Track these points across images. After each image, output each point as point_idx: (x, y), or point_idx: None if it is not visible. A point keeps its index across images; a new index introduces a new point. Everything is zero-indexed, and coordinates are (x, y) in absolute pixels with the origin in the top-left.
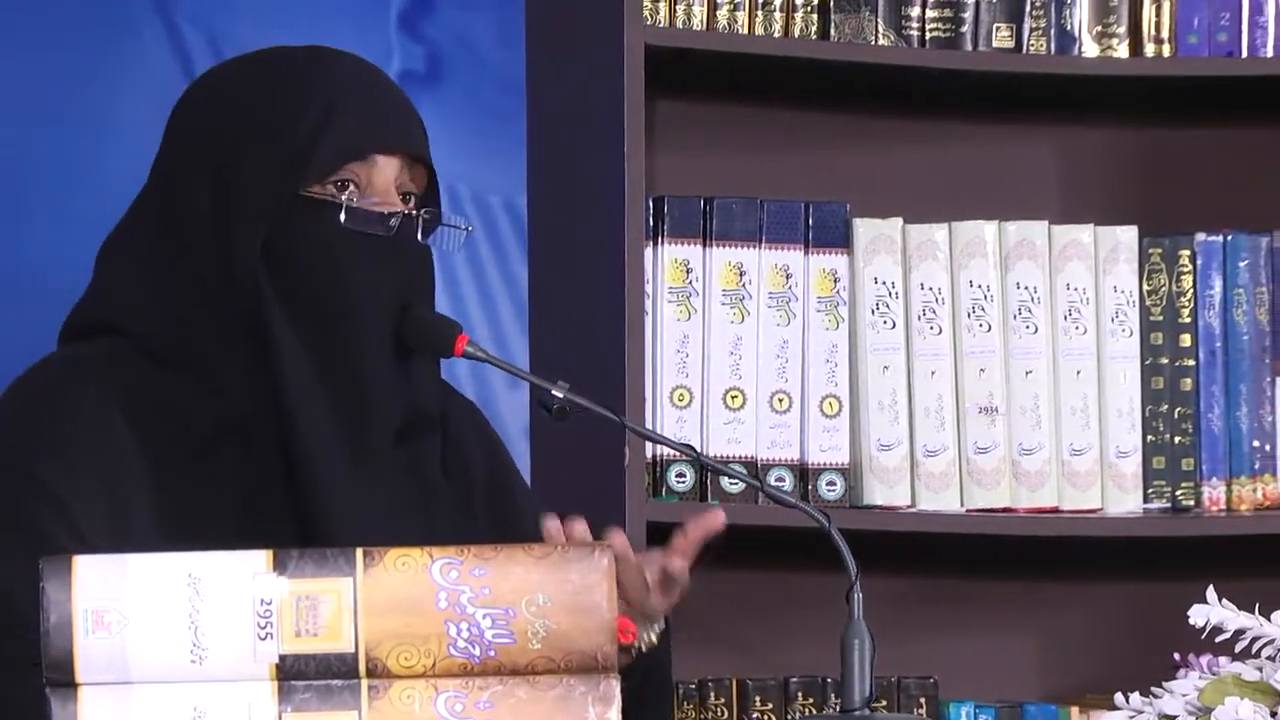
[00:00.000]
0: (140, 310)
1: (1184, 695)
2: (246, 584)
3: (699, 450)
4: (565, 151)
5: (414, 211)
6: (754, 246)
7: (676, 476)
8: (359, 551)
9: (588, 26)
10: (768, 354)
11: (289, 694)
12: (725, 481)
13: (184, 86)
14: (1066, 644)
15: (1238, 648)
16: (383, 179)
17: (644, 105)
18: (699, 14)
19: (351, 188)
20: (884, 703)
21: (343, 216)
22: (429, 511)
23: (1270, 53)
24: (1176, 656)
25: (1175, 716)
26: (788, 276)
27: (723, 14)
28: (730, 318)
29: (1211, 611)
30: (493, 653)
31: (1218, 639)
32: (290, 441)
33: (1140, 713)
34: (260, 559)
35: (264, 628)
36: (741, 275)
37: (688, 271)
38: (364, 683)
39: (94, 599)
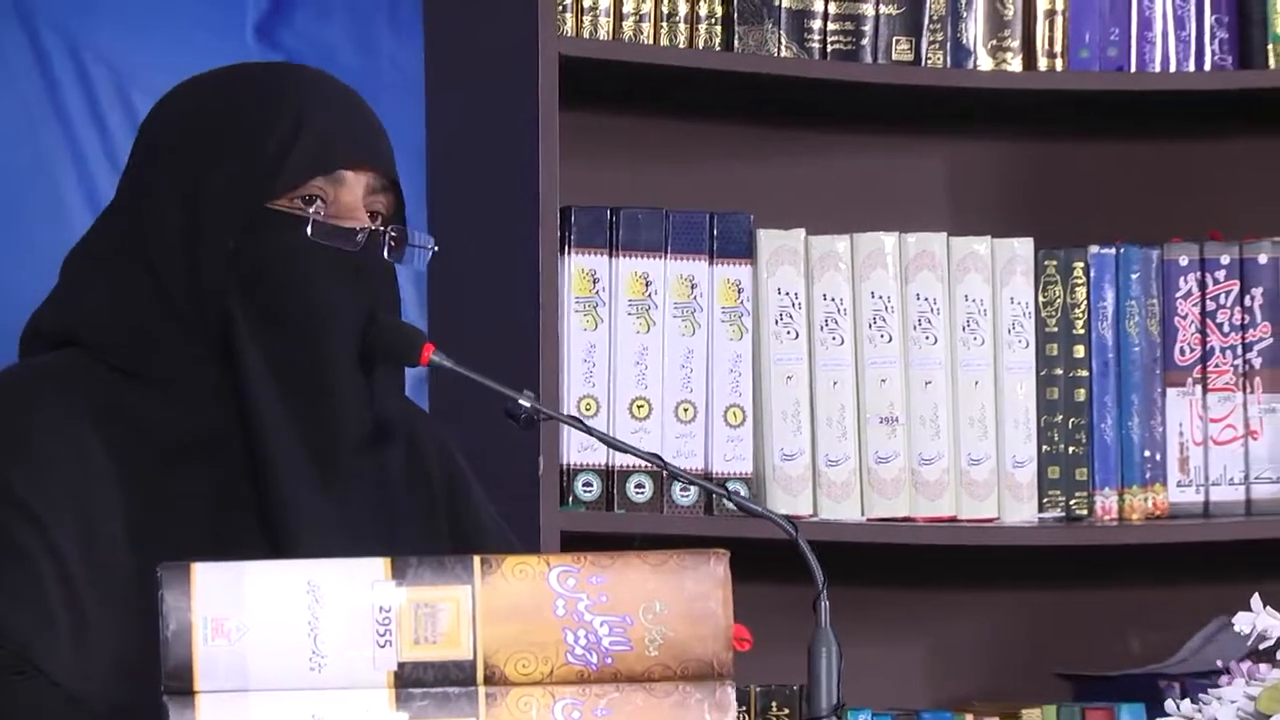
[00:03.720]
0: (105, 324)
1: (1233, 701)
2: (365, 592)
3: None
4: (469, 161)
5: (380, 228)
6: (659, 257)
7: (584, 486)
8: (476, 559)
9: (493, 36)
10: (673, 364)
11: (407, 701)
12: (631, 490)
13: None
14: (961, 651)
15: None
16: (350, 196)
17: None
18: (605, 25)
19: (319, 203)
20: (786, 711)
21: (309, 229)
22: (391, 523)
23: (1158, 67)
24: (1219, 663)
25: None
26: (693, 287)
27: (628, 25)
28: (636, 328)
29: (1258, 619)
30: (610, 660)
31: (1261, 646)
32: (257, 454)
33: (1190, 719)
34: (379, 566)
35: (383, 635)
36: (647, 285)
37: (594, 281)
38: (481, 690)
39: (213, 607)
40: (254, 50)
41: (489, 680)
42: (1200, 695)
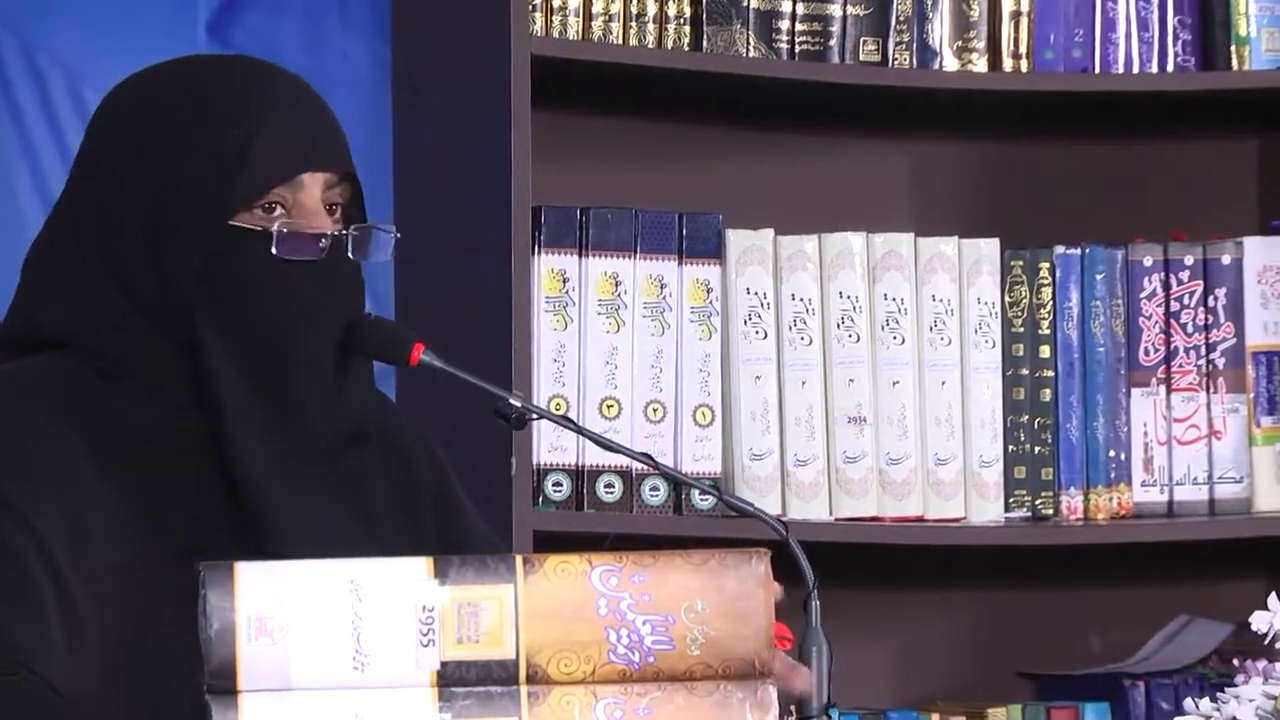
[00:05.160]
0: (80, 327)
1: (1251, 700)
2: (408, 591)
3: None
4: (438, 162)
5: (341, 231)
6: (629, 257)
7: (554, 486)
8: (519, 558)
9: (463, 36)
10: (643, 364)
11: (449, 700)
12: (601, 490)
13: None
14: (927, 650)
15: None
16: (310, 198)
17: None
18: (575, 25)
19: (279, 210)
20: None
21: (274, 249)
22: (372, 525)
23: (1122, 68)
24: (1236, 662)
25: None
26: (662, 286)
27: (598, 25)
28: (606, 327)
29: (1275, 618)
30: (652, 659)
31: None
32: (231, 462)
33: (1209, 718)
34: (421, 566)
35: (426, 634)
36: (617, 285)
37: (564, 281)
38: (523, 689)
39: (257, 606)
40: (205, 49)
41: (531, 679)
42: (1218, 694)
